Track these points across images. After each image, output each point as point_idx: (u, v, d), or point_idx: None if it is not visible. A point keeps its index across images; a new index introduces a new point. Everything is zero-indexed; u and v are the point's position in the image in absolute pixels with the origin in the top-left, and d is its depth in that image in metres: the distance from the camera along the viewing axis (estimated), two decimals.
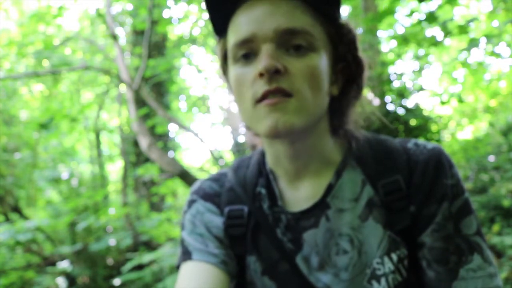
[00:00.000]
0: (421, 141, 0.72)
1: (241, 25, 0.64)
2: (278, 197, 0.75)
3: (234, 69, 0.67)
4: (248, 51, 0.65)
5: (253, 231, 0.75)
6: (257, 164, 0.79)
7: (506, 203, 3.29)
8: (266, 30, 0.62)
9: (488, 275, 0.64)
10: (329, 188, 0.72)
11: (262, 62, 0.61)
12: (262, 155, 0.80)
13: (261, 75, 0.62)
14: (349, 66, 0.71)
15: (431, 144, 0.71)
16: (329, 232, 0.70)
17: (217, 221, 0.75)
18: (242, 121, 0.70)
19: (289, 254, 0.71)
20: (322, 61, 0.65)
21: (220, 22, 0.69)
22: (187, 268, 0.70)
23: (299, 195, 0.74)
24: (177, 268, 0.73)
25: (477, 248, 0.65)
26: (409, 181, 0.68)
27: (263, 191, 0.76)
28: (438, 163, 0.68)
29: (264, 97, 0.62)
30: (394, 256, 0.67)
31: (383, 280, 0.66)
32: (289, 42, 0.63)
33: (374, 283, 0.67)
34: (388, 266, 0.67)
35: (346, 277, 0.68)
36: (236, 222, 0.75)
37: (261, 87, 0.62)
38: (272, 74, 0.61)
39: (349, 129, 0.75)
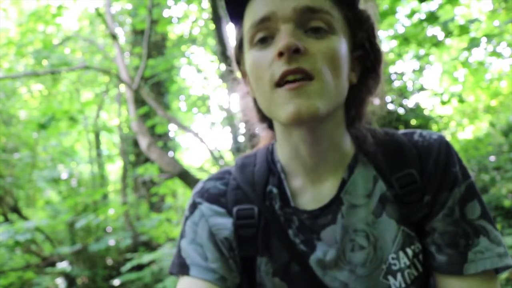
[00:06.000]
0: (425, 131, 0.72)
1: (259, 6, 0.63)
2: (290, 198, 0.72)
3: (250, 53, 0.65)
4: (265, 34, 0.63)
5: (264, 231, 0.72)
6: (265, 162, 0.76)
7: (507, 203, 3.28)
8: (285, 9, 0.61)
9: (496, 255, 0.64)
10: (343, 184, 0.70)
11: (282, 40, 0.59)
12: (271, 152, 0.77)
13: (280, 54, 0.59)
14: (367, 54, 0.69)
15: (435, 134, 0.71)
16: (344, 228, 0.69)
17: (225, 223, 0.72)
18: (261, 107, 0.67)
19: (301, 256, 0.69)
20: (342, 44, 0.63)
21: (236, 9, 0.67)
22: (184, 284, 0.68)
23: (317, 191, 0.71)
24: (170, 274, 0.72)
25: (482, 231, 0.65)
26: (422, 173, 0.68)
27: (275, 190, 0.73)
28: (447, 151, 0.68)
29: (283, 78, 0.59)
30: (409, 251, 0.67)
31: (399, 275, 0.66)
32: (308, 22, 0.61)
33: (390, 278, 0.67)
34: (404, 261, 0.67)
35: (364, 273, 0.68)
36: (246, 222, 0.72)
37: (280, 67, 0.59)
38: (292, 53, 0.58)
39: (362, 123, 0.73)
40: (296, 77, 0.59)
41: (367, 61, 0.70)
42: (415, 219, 0.67)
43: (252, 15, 0.64)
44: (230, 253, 0.72)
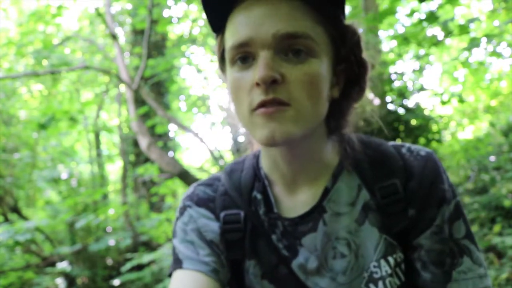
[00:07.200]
0: (414, 146, 0.72)
1: (238, 27, 0.62)
2: (273, 204, 0.74)
3: (231, 72, 0.65)
4: (245, 55, 0.62)
5: (251, 235, 0.74)
6: (251, 168, 0.78)
7: (507, 203, 3.28)
8: (264, 34, 0.59)
9: (477, 276, 0.66)
10: (325, 192, 0.71)
11: (259, 71, 0.59)
12: (257, 159, 0.79)
13: (258, 84, 0.60)
14: (351, 67, 0.69)
15: (423, 150, 0.71)
16: (326, 236, 0.70)
17: (213, 226, 0.74)
18: (240, 124, 0.69)
19: (285, 260, 0.71)
20: (322, 67, 0.63)
21: (217, 20, 0.67)
22: (177, 276, 0.69)
23: (296, 200, 0.73)
24: (169, 276, 0.72)
25: (466, 251, 0.67)
26: (406, 186, 0.68)
27: (259, 196, 0.74)
28: (434, 168, 0.68)
29: (260, 106, 0.61)
30: (391, 260, 0.68)
31: (380, 283, 0.67)
32: (288, 46, 0.61)
33: (372, 286, 0.67)
34: (385, 269, 0.67)
35: (344, 281, 0.68)
36: (233, 227, 0.74)
37: (258, 96, 0.60)
38: (269, 84, 0.59)
39: (345, 132, 0.74)
40: (273, 104, 0.60)
41: (352, 74, 0.70)
42: (397, 229, 0.68)
43: (232, 35, 0.63)
44: (219, 252, 0.73)
